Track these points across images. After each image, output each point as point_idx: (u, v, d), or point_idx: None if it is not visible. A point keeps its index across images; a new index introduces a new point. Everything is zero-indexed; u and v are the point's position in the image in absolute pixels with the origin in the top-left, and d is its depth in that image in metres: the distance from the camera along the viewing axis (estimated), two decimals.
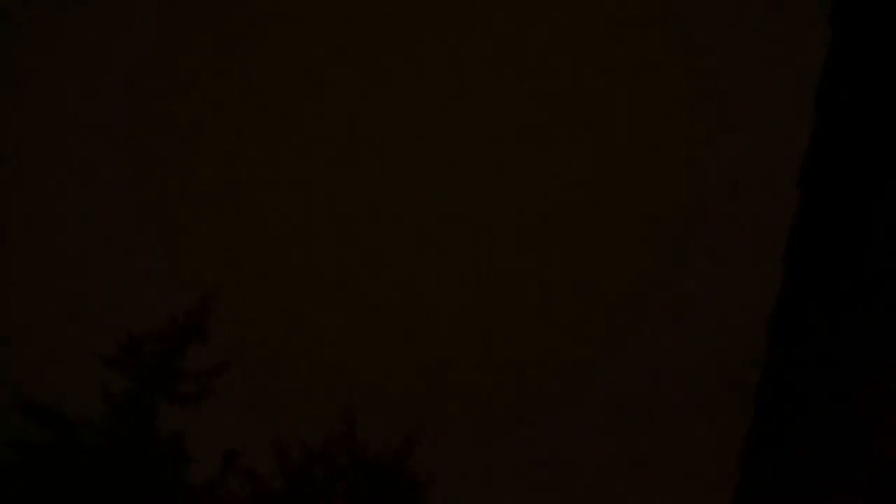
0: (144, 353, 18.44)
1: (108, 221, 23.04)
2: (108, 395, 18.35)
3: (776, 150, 21.81)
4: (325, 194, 24.23)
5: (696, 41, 23.04)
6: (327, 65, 24.06)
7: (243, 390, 19.33)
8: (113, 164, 23.39)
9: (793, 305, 7.83)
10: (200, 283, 19.53)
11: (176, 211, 23.26)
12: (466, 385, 22.98)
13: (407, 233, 24.19)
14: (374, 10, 24.27)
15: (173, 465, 18.36)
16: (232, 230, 23.51)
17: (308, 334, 22.57)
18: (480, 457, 21.90)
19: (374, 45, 24.48)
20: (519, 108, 24.78)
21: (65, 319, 20.97)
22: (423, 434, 20.25)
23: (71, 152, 23.30)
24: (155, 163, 23.44)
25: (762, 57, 22.93)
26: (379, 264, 24.30)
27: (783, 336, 8.13)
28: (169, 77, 23.47)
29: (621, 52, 23.83)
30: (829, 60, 6.19)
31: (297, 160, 24.31)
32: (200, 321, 18.52)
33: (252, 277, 22.95)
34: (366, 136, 24.57)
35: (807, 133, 6.61)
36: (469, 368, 23.32)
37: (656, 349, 23.11)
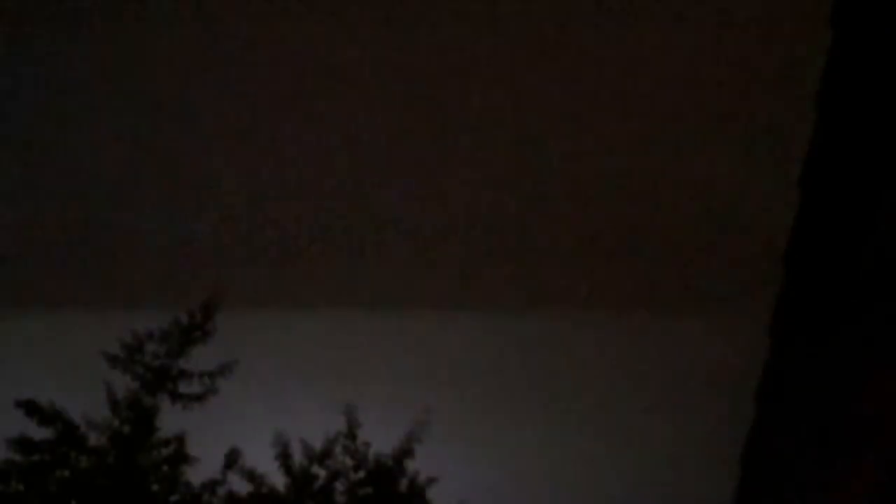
0: (148, 354, 18.52)
1: (111, 219, 23.06)
2: (111, 395, 18.41)
3: (776, 150, 21.81)
4: (328, 195, 24.25)
5: (695, 40, 23.04)
6: (328, 63, 24.08)
7: (244, 390, 19.37)
8: (114, 163, 23.40)
9: (793, 305, 7.85)
10: (204, 284, 19.56)
11: (179, 211, 23.28)
12: (467, 385, 22.99)
13: (408, 233, 24.22)
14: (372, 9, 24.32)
15: (174, 464, 18.42)
16: (235, 230, 23.54)
17: (309, 334, 22.60)
18: (481, 457, 21.92)
19: (372, 43, 24.51)
20: (515, 105, 24.83)
21: (67, 318, 21.00)
22: (424, 434, 20.26)
23: (71, 150, 23.31)
24: (158, 161, 23.46)
25: (762, 57, 22.93)
26: (380, 264, 24.32)
27: (783, 336, 8.14)
28: (171, 73, 23.50)
29: (619, 51, 23.84)
30: (830, 60, 6.21)
31: (299, 161, 24.35)
32: (204, 322, 18.60)
33: (253, 277, 22.97)
34: (368, 137, 24.59)
35: (807, 133, 6.61)
36: (470, 368, 23.34)
37: (656, 349, 23.12)
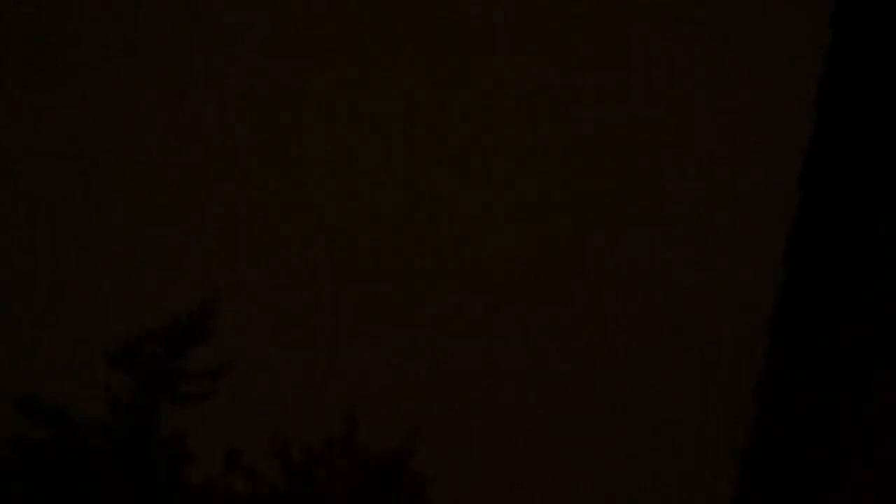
0: (147, 354, 18.47)
1: (112, 220, 23.05)
2: (111, 395, 18.38)
3: (776, 150, 21.83)
4: (328, 195, 24.26)
5: (695, 40, 23.06)
6: (327, 63, 24.09)
7: (244, 390, 19.35)
8: (115, 162, 23.41)
9: (793, 305, 7.84)
10: (203, 284, 19.54)
11: (179, 210, 23.28)
12: (467, 385, 22.99)
13: (408, 233, 24.22)
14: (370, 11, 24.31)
15: (175, 464, 18.39)
16: (235, 231, 23.53)
17: (309, 334, 22.58)
18: (480, 457, 21.91)
19: (371, 43, 24.51)
20: (513, 104, 24.81)
21: (67, 318, 20.99)
22: (424, 434, 20.25)
23: (72, 150, 23.32)
24: (158, 161, 23.46)
25: (762, 57, 22.95)
26: (380, 265, 24.32)
27: (783, 336, 8.13)
28: (169, 74, 23.50)
29: (618, 51, 23.86)
30: (829, 60, 6.19)
31: (299, 161, 24.35)
32: (204, 322, 18.55)
33: (253, 277, 22.97)
34: (367, 137, 24.60)
35: (807, 133, 6.59)
36: (469, 368, 23.33)
37: (656, 349, 23.13)
